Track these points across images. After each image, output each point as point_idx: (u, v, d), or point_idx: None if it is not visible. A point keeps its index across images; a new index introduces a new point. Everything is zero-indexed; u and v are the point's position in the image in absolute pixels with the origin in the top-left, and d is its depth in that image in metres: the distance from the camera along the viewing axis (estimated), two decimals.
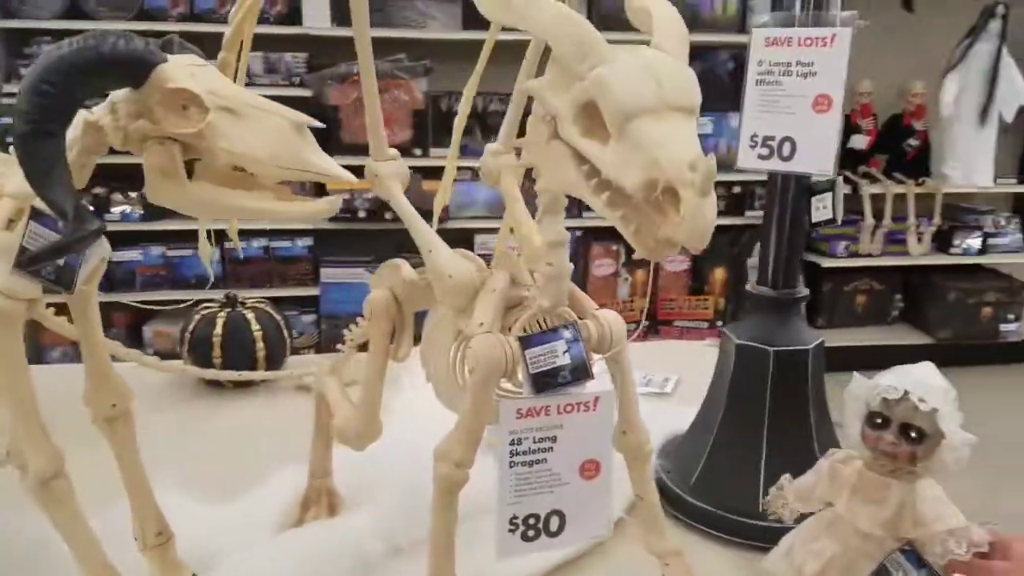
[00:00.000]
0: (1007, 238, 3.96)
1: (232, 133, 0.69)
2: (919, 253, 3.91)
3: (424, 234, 0.89)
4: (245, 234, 3.77)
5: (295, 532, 1.04)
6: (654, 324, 3.87)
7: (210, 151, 0.69)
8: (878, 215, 3.81)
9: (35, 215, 0.74)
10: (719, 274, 3.84)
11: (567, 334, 0.81)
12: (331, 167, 0.72)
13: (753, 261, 3.66)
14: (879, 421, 0.80)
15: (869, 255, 3.88)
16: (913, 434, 0.78)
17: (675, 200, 0.55)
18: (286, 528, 1.06)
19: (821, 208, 1.04)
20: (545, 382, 0.79)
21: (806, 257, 3.95)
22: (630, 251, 3.72)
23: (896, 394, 0.78)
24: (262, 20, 3.36)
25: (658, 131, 0.56)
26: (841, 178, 1.09)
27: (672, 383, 1.64)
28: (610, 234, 3.72)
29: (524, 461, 0.82)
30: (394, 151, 0.93)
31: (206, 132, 0.68)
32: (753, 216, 3.69)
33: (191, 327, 1.58)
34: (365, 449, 0.98)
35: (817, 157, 1.01)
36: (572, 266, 0.79)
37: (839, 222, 1.07)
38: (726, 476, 1.10)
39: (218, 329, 1.56)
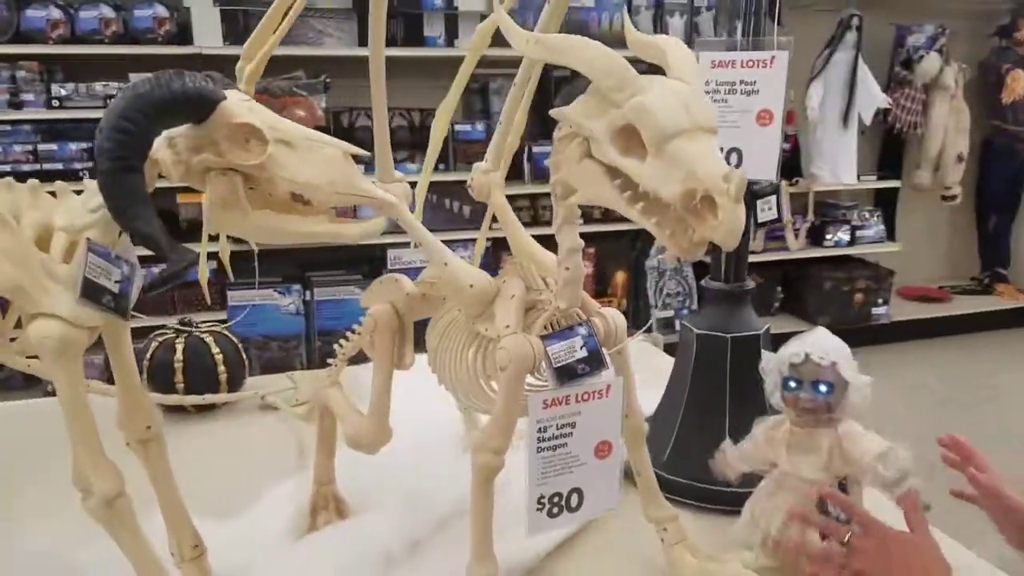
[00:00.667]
0: (872, 230, 4.38)
1: (291, 163, 0.75)
2: (796, 248, 4.26)
3: (437, 249, 0.96)
4: (145, 260, 3.67)
5: (315, 537, 1.09)
6: None
7: (271, 181, 0.76)
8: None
9: (91, 247, 0.78)
10: (620, 277, 4.04)
11: (583, 331, 0.91)
12: (377, 191, 0.80)
13: (651, 262, 3.89)
14: (793, 384, 0.96)
15: (752, 252, 4.19)
16: (823, 387, 0.94)
17: (711, 207, 0.67)
18: (301, 535, 1.11)
19: (766, 209, 1.19)
20: (567, 374, 0.90)
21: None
22: (601, 255, 3.76)
23: (800, 358, 0.95)
24: (148, 40, 3.32)
25: (692, 149, 0.68)
26: (784, 182, 1.24)
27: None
28: (588, 236, 3.82)
29: (549, 446, 0.91)
30: (399, 173, 1.01)
31: (267, 163, 0.75)
32: None
33: (149, 354, 1.58)
34: (376, 453, 1.05)
35: (762, 165, 1.16)
36: (585, 270, 0.90)
37: (784, 220, 1.22)
38: (695, 450, 1.22)
39: (179, 355, 1.57)
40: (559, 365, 0.89)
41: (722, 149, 1.17)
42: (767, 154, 1.16)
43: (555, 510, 0.94)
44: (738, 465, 1.04)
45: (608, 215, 3.85)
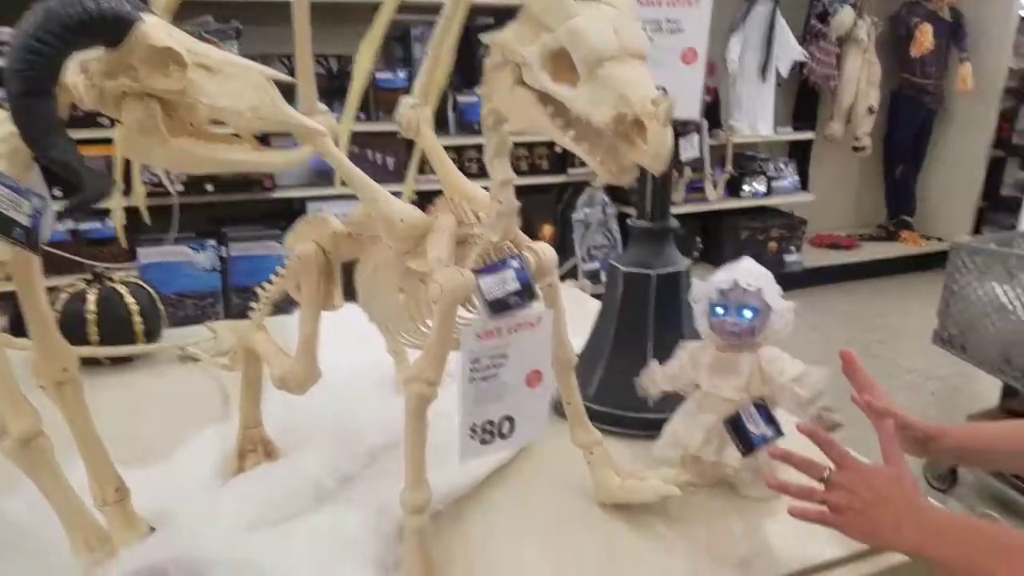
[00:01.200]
0: (786, 180, 4.52)
1: (211, 89, 0.73)
2: (715, 199, 4.36)
3: (367, 185, 0.95)
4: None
5: (244, 478, 1.08)
6: None
7: (191, 107, 0.73)
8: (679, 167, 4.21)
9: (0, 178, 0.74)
10: (547, 230, 4.07)
11: (515, 264, 0.92)
12: (304, 119, 0.78)
13: (578, 215, 3.93)
14: (720, 310, 1.01)
15: (674, 203, 4.27)
16: (748, 312, 0.99)
17: (641, 131, 0.68)
18: (228, 478, 1.09)
19: (688, 148, 1.21)
20: (499, 307, 0.90)
21: (621, 209, 4.29)
22: (528, 209, 3.78)
23: (728, 284, 1.00)
24: None
25: (623, 73, 0.69)
26: (705, 121, 1.27)
27: None
28: (515, 190, 3.79)
29: (482, 377, 0.92)
30: (322, 105, 0.98)
31: (187, 89, 0.72)
32: (576, 173, 3.94)
33: (58, 306, 1.51)
34: (304, 393, 1.04)
35: (686, 103, 1.18)
36: (518, 203, 0.90)
37: (706, 159, 1.25)
38: (621, 381, 1.25)
39: (91, 306, 1.51)
40: (492, 298, 0.90)
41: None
42: (691, 92, 1.18)
43: (487, 437, 0.96)
44: (663, 383, 1.09)
45: (534, 168, 3.86)
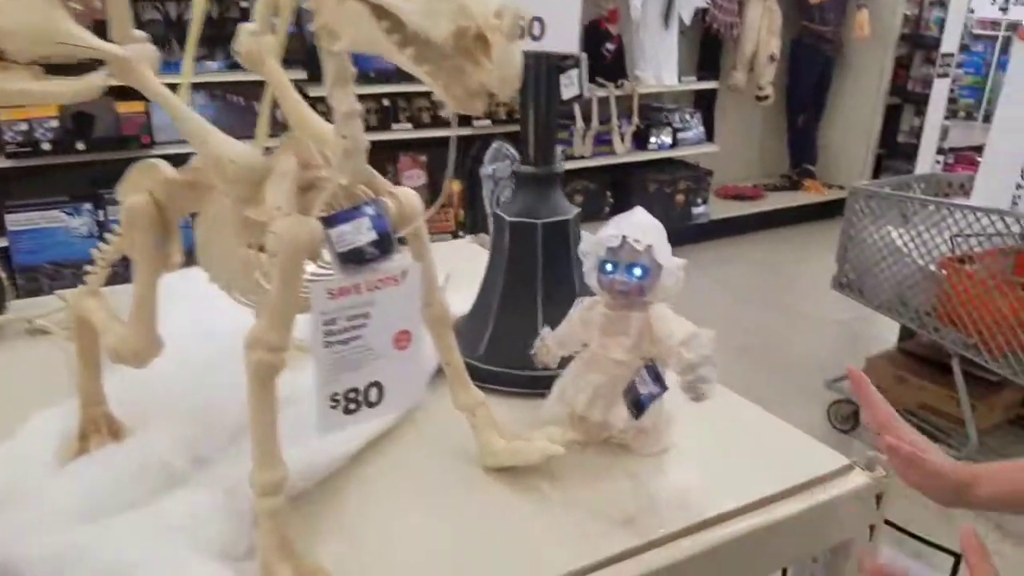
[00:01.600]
0: (692, 132, 4.52)
1: None
2: (623, 152, 4.33)
3: (195, 124, 0.83)
4: None
5: (84, 461, 0.96)
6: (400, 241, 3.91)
7: None
8: (587, 118, 4.14)
9: None
10: (456, 186, 3.96)
11: (370, 211, 0.82)
12: (101, 43, 0.66)
13: (486, 170, 3.82)
14: (609, 268, 0.93)
15: (582, 157, 4.22)
16: (637, 270, 0.92)
17: (485, 48, 0.59)
18: (68, 462, 0.97)
19: (569, 85, 1.13)
20: (354, 259, 0.81)
21: None
22: (434, 164, 3.62)
23: (616, 241, 0.92)
24: None
25: None
26: (585, 55, 1.18)
27: (442, 278, 1.71)
28: (418, 144, 3.64)
29: (340, 340, 0.83)
30: (140, 32, 0.85)
31: None
32: (481, 126, 3.82)
33: None
34: (145, 367, 0.93)
35: (564, 36, 1.09)
36: (368, 140, 0.80)
37: (585, 95, 1.17)
38: (510, 338, 1.18)
39: None
40: (344, 250, 0.80)
41: (524, 18, 1.10)
42: (570, 23, 1.09)
43: (352, 406, 0.87)
44: (557, 350, 1.02)
45: (438, 121, 3.72)
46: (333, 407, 0.86)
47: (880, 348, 2.91)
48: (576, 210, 1.22)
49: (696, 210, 4.55)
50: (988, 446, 2.32)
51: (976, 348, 2.08)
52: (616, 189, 4.47)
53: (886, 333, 3.19)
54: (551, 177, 1.20)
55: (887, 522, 1.03)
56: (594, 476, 0.97)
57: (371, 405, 0.89)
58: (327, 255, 0.81)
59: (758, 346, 3.27)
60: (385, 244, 0.82)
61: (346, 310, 0.82)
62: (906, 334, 2.73)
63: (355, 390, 0.87)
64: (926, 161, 3.96)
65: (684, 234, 4.51)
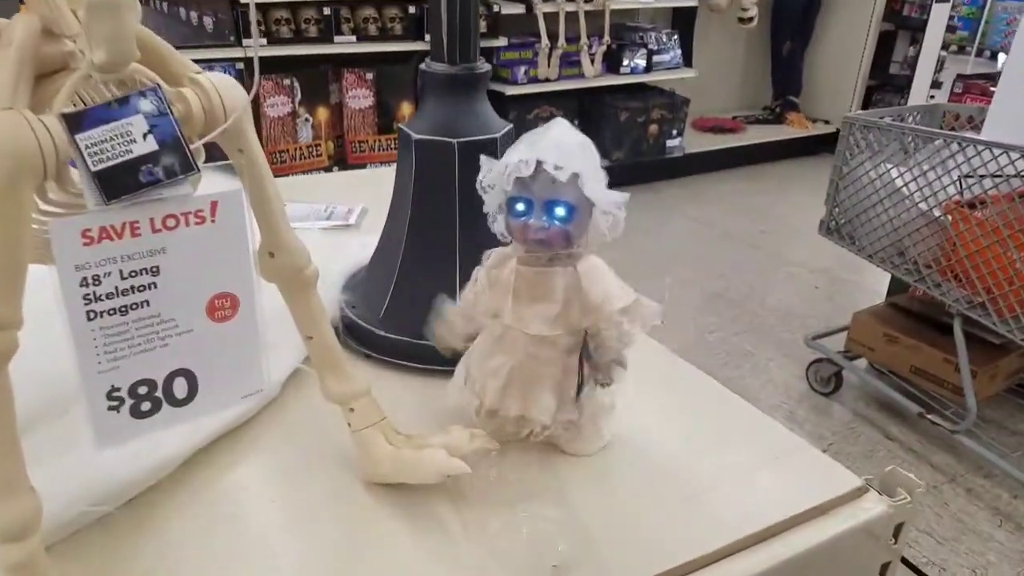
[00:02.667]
0: (668, 55, 4.16)
1: None
2: (592, 75, 3.97)
3: None
4: None
5: None
6: (345, 170, 3.57)
7: None
8: (553, 37, 3.77)
9: None
10: (406, 108, 3.60)
11: (146, 104, 0.51)
12: None
13: None
14: (520, 207, 0.64)
15: (547, 80, 3.87)
16: (560, 209, 0.63)
17: None
18: None
19: None
20: (119, 183, 0.51)
21: (491, 87, 3.85)
22: (307, 84, 3.27)
23: (528, 169, 0.63)
24: None
25: None
26: None
27: (357, 213, 1.40)
28: (280, 65, 3.28)
29: (112, 308, 0.53)
30: None
31: None
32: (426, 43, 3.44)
33: None
34: None
35: None
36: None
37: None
38: (419, 298, 0.89)
39: None
40: (103, 167, 0.50)
41: None
42: None
43: (145, 407, 0.58)
44: (463, 327, 0.73)
45: (386, 34, 3.34)
46: (113, 409, 0.57)
47: (867, 301, 2.67)
48: (508, 126, 0.91)
49: (671, 143, 4.23)
50: (987, 418, 2.10)
51: (983, 307, 1.83)
52: (584, 117, 4.13)
53: (873, 284, 2.95)
54: (473, 80, 0.88)
55: (904, 561, 0.78)
56: (512, 496, 0.70)
57: (179, 403, 0.60)
58: (77, 177, 0.51)
59: (733, 293, 3.02)
60: (173, 159, 0.52)
61: (116, 263, 0.53)
62: (897, 287, 2.48)
63: (147, 383, 0.57)
64: (920, 94, 3.68)
65: (656, 168, 4.20)
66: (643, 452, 0.75)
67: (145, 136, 0.51)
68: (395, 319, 0.92)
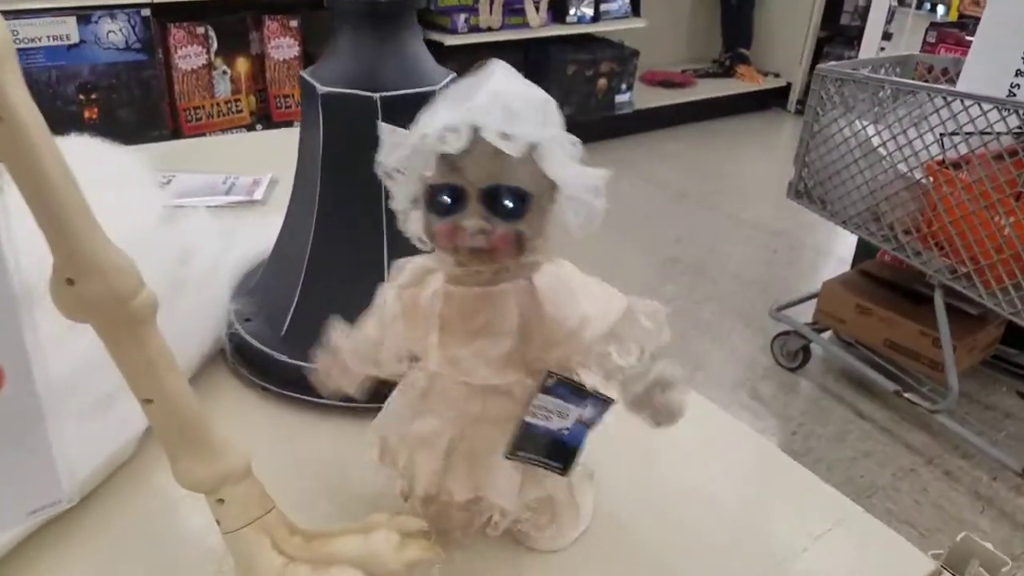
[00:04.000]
0: (616, 3, 3.91)
1: None
2: (537, 24, 3.71)
3: None
4: None
5: None
6: (270, 128, 3.25)
7: None
8: None
9: None
10: (243, 66, 3.25)
11: None
12: None
13: None
14: (448, 199, 0.41)
15: (490, 29, 3.60)
16: (507, 201, 0.41)
17: None
18: None
19: None
20: None
21: (428, 36, 3.56)
22: (224, 33, 2.89)
23: (460, 142, 0.39)
24: None
25: None
26: None
27: (264, 186, 1.15)
28: (193, 11, 2.94)
29: None
30: None
31: None
32: None
33: None
34: None
35: None
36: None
37: None
38: (336, 305, 0.67)
39: None
40: None
41: None
42: None
43: None
44: (357, 367, 0.50)
45: None
46: None
47: (829, 265, 2.53)
48: (450, 75, 0.68)
49: (620, 98, 4.00)
50: (965, 393, 1.97)
51: (968, 278, 1.67)
52: (530, 70, 3.87)
53: (835, 247, 2.81)
54: (400, 10, 0.65)
55: None
56: None
57: None
58: None
59: (691, 259, 2.84)
60: None
61: None
62: (865, 251, 2.33)
63: None
64: (872, 46, 3.53)
65: (605, 126, 3.98)
66: (648, 532, 0.55)
67: None
68: (301, 338, 0.68)
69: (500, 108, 0.40)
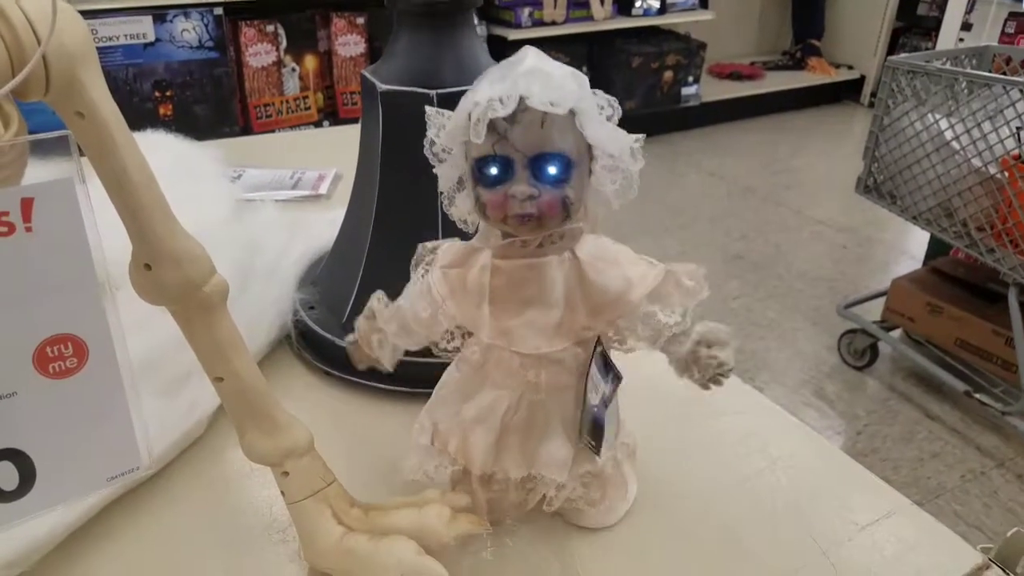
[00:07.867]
0: None
1: None
2: (602, 17, 3.70)
3: None
4: None
5: None
6: (336, 124, 3.33)
7: None
8: None
9: None
10: (311, 63, 3.31)
11: None
12: None
13: None
14: (496, 170, 0.43)
15: (554, 23, 3.60)
16: (552, 168, 0.42)
17: None
18: None
19: None
20: None
21: (491, 30, 3.59)
22: (293, 31, 2.98)
23: (508, 107, 0.41)
24: None
25: None
26: None
27: (329, 181, 1.19)
28: (262, 9, 3.03)
29: None
30: None
31: None
32: None
33: None
34: None
35: None
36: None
37: None
38: (393, 294, 0.70)
39: None
40: None
41: None
42: None
43: None
44: (399, 340, 0.52)
45: None
46: None
47: (900, 263, 2.46)
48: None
49: (686, 91, 3.96)
50: None
51: None
52: (593, 63, 3.86)
53: (908, 244, 2.73)
54: (457, 11, 0.67)
55: None
56: None
57: (7, 498, 0.41)
58: None
59: (756, 255, 2.80)
60: None
61: None
62: (937, 249, 2.26)
63: None
64: (950, 37, 3.40)
65: (671, 119, 3.95)
66: (692, 518, 0.56)
67: None
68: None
69: (542, 78, 0.42)
